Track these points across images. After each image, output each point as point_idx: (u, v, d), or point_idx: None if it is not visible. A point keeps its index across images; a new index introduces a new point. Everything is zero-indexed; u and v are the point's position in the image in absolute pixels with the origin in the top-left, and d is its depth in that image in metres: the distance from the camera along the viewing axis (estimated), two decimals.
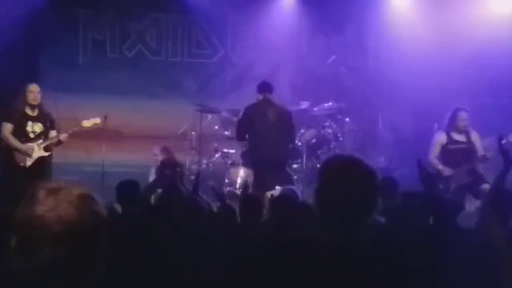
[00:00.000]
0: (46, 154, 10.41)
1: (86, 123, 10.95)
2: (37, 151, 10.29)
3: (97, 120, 10.99)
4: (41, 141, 10.32)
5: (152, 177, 11.40)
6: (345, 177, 2.97)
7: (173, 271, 5.20)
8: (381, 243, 3.02)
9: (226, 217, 7.00)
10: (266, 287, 3.00)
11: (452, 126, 10.43)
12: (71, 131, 10.70)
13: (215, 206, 7.56)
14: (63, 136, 10.47)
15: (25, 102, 10.26)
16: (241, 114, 11.09)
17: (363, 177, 2.98)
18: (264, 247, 5.26)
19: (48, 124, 10.43)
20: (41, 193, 2.16)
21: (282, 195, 6.82)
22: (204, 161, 12.69)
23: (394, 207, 6.74)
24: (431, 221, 6.35)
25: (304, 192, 11.42)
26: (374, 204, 3.03)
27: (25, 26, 12.84)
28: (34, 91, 10.31)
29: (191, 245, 5.66)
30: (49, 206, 2.11)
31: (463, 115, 10.39)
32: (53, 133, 10.46)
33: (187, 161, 12.83)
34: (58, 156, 11.67)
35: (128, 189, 7.23)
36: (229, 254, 6.10)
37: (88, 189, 2.24)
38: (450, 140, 10.44)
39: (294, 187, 9.33)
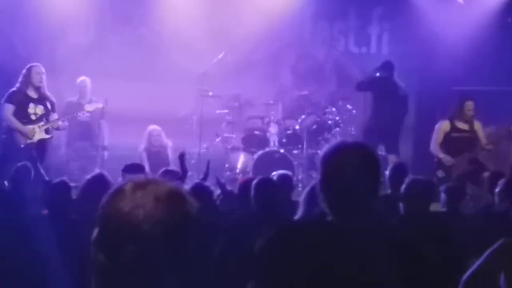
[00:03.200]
0: (47, 136, 10.39)
1: (89, 107, 10.97)
2: (38, 133, 10.27)
3: (100, 105, 11.02)
4: (42, 123, 10.29)
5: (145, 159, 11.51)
6: (346, 164, 2.97)
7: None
8: (388, 228, 3.02)
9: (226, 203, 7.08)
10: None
11: (457, 114, 10.44)
12: (74, 115, 10.77)
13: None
14: (62, 124, 10.54)
15: (29, 83, 10.22)
16: None
17: (364, 162, 2.98)
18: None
19: (49, 107, 10.41)
20: (128, 187, 2.05)
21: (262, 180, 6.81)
22: (205, 146, 12.66)
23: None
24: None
25: (304, 178, 11.46)
26: (376, 190, 3.04)
27: (27, 7, 12.79)
28: (40, 73, 10.28)
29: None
30: (136, 202, 2.01)
31: (470, 104, 10.40)
32: (54, 116, 10.44)
33: (188, 145, 12.82)
34: (55, 138, 11.68)
35: (134, 172, 7.23)
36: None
37: (178, 185, 2.13)
38: (454, 128, 10.46)
39: (288, 172, 9.32)
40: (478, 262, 4.05)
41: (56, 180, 7.19)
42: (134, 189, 2.05)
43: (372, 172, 3.01)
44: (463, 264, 5.70)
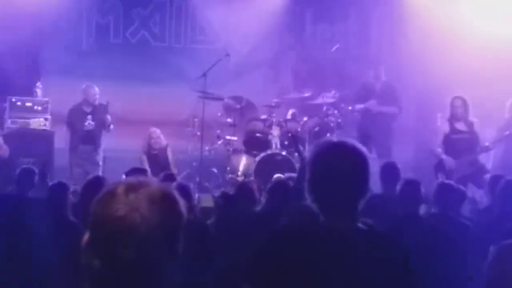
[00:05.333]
0: None
1: (34, 124, 10.99)
2: None
3: (42, 122, 11.04)
4: None
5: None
6: (336, 163, 2.97)
7: None
8: (378, 229, 3.02)
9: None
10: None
11: (451, 114, 10.47)
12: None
13: (216, 193, 7.66)
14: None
15: None
16: None
17: (351, 162, 2.97)
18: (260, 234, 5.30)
19: None
20: (120, 190, 2.04)
21: (276, 182, 6.84)
22: (207, 148, 12.66)
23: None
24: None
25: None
26: (365, 189, 3.00)
27: (28, 10, 12.79)
28: None
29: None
30: (131, 206, 2.00)
31: (457, 101, 10.42)
32: None
33: (189, 148, 12.83)
34: (60, 141, 11.69)
35: (137, 176, 7.24)
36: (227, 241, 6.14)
37: (168, 186, 2.14)
38: (453, 130, 10.45)
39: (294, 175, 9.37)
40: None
41: (54, 182, 7.22)
42: (126, 192, 2.03)
43: (361, 171, 2.99)
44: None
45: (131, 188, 2.05)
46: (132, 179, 2.12)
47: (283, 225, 3.86)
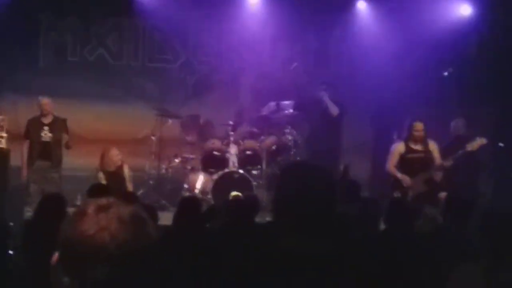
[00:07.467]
0: None
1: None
2: None
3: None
4: None
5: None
6: (301, 185, 2.93)
7: None
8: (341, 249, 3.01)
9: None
10: None
11: (408, 136, 10.55)
12: None
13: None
14: None
15: None
16: None
17: (319, 184, 2.94)
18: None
19: None
20: (90, 210, 2.06)
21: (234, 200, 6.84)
22: (164, 166, 12.65)
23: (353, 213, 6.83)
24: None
25: (263, 198, 11.48)
26: (331, 211, 2.96)
27: None
28: None
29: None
30: (101, 225, 2.02)
31: (418, 125, 10.50)
32: None
33: (147, 166, 12.79)
34: (16, 159, 11.57)
35: (99, 193, 7.20)
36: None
37: (138, 207, 2.16)
38: (408, 150, 10.53)
39: (254, 193, 9.40)
40: None
41: None
42: (97, 212, 2.06)
43: (329, 194, 2.96)
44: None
45: (101, 208, 2.07)
46: (103, 199, 2.13)
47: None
